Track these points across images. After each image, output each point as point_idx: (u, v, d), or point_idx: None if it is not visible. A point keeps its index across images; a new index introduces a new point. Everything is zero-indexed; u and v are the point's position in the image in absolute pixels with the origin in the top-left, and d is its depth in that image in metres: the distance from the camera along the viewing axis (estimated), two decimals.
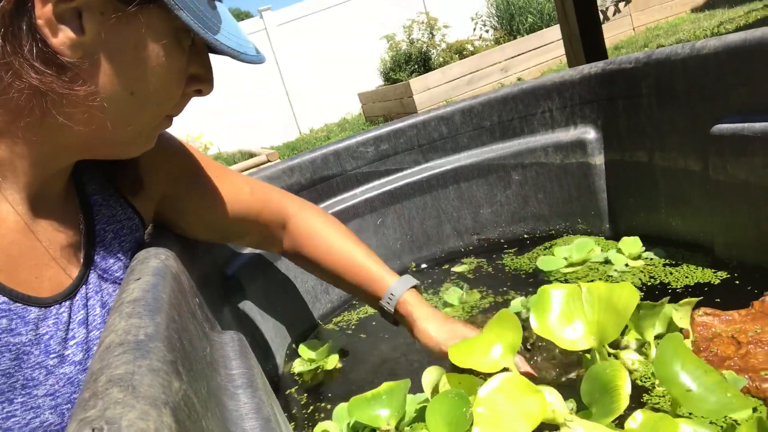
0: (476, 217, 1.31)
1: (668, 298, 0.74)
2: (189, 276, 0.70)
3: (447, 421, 0.61)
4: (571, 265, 1.08)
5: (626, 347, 0.76)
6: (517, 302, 1.00)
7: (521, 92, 1.23)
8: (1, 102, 0.56)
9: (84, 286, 0.66)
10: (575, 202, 1.21)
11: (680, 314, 0.73)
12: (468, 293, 1.09)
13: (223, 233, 0.91)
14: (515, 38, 6.71)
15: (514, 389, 0.59)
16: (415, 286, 0.90)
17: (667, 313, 0.73)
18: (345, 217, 1.24)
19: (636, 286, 0.95)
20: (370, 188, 1.28)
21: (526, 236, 1.29)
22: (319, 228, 0.96)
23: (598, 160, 1.15)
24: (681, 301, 0.74)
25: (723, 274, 0.91)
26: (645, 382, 0.71)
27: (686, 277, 0.94)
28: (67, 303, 0.64)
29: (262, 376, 0.65)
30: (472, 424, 0.57)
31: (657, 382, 0.70)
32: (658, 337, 0.75)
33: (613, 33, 6.35)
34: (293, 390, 0.98)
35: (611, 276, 1.02)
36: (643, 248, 1.05)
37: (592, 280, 0.93)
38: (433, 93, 5.87)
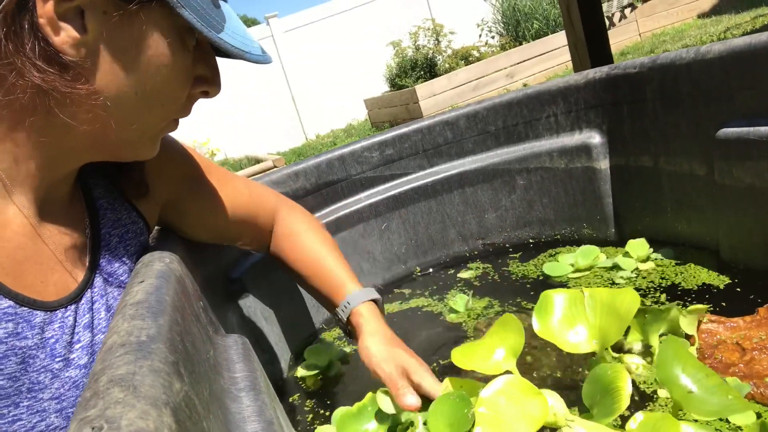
0: (481, 222, 1.31)
1: (676, 303, 0.74)
2: (193, 279, 0.70)
3: (449, 422, 0.61)
4: (578, 270, 1.08)
5: (630, 351, 0.76)
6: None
7: (526, 97, 1.23)
8: (6, 102, 0.56)
9: (89, 290, 0.66)
10: (580, 206, 1.21)
11: (688, 320, 0.72)
12: (474, 300, 1.09)
13: (222, 235, 0.91)
14: (521, 44, 6.72)
15: (516, 391, 0.59)
16: (375, 300, 0.88)
17: (674, 319, 0.72)
18: (350, 221, 1.24)
19: (647, 289, 0.95)
20: (375, 193, 1.28)
21: (531, 241, 1.28)
22: (298, 230, 0.96)
23: (603, 164, 1.15)
24: (689, 308, 0.74)
25: (728, 279, 0.90)
26: (648, 387, 0.71)
27: (693, 279, 0.93)
28: (73, 307, 0.64)
29: (266, 380, 0.65)
30: (473, 425, 0.57)
31: (660, 386, 0.69)
32: None
33: (619, 39, 6.34)
34: (296, 395, 0.98)
35: (619, 282, 1.01)
36: (651, 250, 1.04)
37: (600, 286, 0.93)
38: (438, 99, 5.88)
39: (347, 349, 1.07)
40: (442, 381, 0.73)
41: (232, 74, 7.62)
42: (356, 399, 0.77)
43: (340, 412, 0.80)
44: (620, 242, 1.13)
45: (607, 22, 6.44)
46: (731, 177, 0.87)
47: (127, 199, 0.74)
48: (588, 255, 1.07)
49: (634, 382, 0.70)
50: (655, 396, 0.69)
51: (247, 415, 0.52)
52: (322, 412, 0.91)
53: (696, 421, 0.59)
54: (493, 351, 0.71)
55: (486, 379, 0.65)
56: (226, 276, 1.02)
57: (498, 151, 1.28)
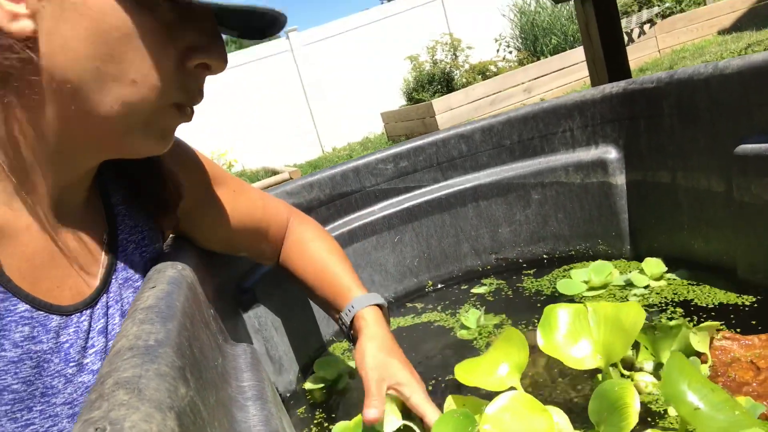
0: (495, 236, 1.30)
1: (686, 320, 0.73)
2: (205, 287, 0.71)
3: None
4: (592, 288, 1.06)
5: (641, 369, 0.75)
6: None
7: (542, 111, 1.22)
8: None
9: (105, 295, 0.67)
10: (596, 222, 1.20)
11: (699, 338, 0.71)
12: (486, 317, 1.08)
13: (233, 245, 0.91)
14: (539, 59, 6.72)
15: (521, 408, 0.58)
16: (380, 306, 0.86)
17: (684, 336, 0.71)
18: (363, 233, 1.24)
19: (658, 308, 0.94)
20: (388, 205, 1.28)
21: (545, 256, 1.27)
22: (307, 240, 0.95)
23: (620, 180, 1.14)
24: (701, 325, 0.73)
25: (746, 298, 0.88)
26: (659, 406, 0.69)
27: (708, 297, 0.92)
28: (88, 311, 0.64)
29: (273, 390, 0.65)
30: None
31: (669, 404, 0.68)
32: None
33: (638, 55, 6.32)
34: (303, 407, 0.97)
35: (632, 299, 1.00)
36: (666, 269, 1.03)
37: None
38: (455, 113, 5.89)
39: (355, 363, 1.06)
40: (446, 398, 0.72)
41: (249, 86, 7.73)
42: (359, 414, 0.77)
43: (339, 426, 0.80)
44: (635, 259, 1.12)
45: (626, 38, 6.42)
46: (750, 194, 0.86)
47: (144, 206, 0.75)
48: (601, 271, 1.06)
49: (644, 402, 0.68)
50: (665, 414, 0.68)
51: (253, 425, 0.52)
52: (326, 425, 0.90)
53: None
54: (496, 367, 0.71)
55: (490, 398, 0.64)
56: (237, 285, 1.02)
57: (513, 165, 1.28)
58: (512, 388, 0.68)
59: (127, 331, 0.44)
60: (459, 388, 0.84)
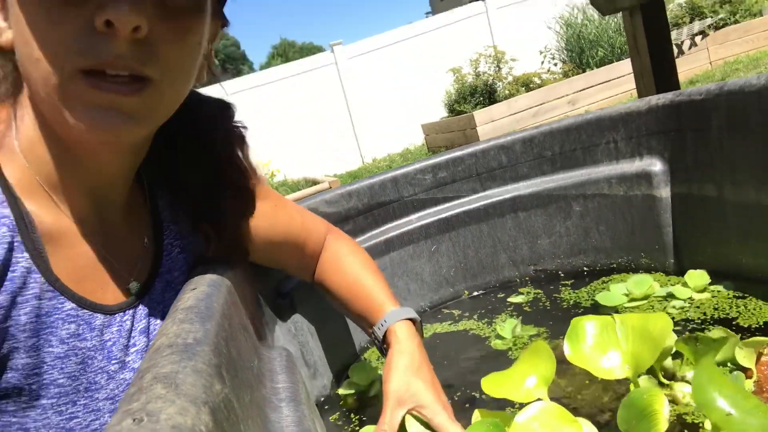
0: (533, 248, 1.29)
1: (731, 332, 0.71)
2: (244, 290, 0.72)
3: None
4: (633, 300, 1.04)
5: (682, 379, 0.73)
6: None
7: (585, 122, 1.21)
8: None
9: (148, 296, 0.69)
10: (639, 235, 1.17)
11: (745, 353, 0.69)
12: (523, 327, 1.06)
13: (271, 258, 0.91)
14: (584, 72, 6.62)
15: (551, 418, 0.58)
16: (413, 320, 0.86)
17: (729, 349, 0.69)
18: (400, 242, 1.25)
19: (700, 320, 0.91)
20: (426, 215, 1.28)
21: (585, 269, 1.25)
22: (342, 255, 0.95)
23: (664, 192, 1.11)
24: (748, 339, 0.70)
25: None
26: (695, 417, 0.68)
27: (754, 314, 0.88)
28: (131, 312, 0.67)
29: (307, 393, 0.66)
30: None
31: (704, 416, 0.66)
32: None
33: (688, 67, 6.15)
34: (336, 413, 0.98)
35: (671, 312, 0.97)
36: (710, 281, 1.00)
37: None
38: (497, 125, 5.85)
39: None
40: (473, 409, 0.71)
41: (293, 98, 7.87)
42: None
43: (366, 431, 0.80)
44: (679, 273, 1.09)
45: (676, 50, 6.26)
46: None
47: (190, 214, 0.76)
48: (642, 284, 1.03)
49: (680, 413, 0.67)
50: (701, 425, 0.66)
51: (286, 425, 0.52)
52: (357, 430, 0.91)
53: None
54: (524, 379, 0.70)
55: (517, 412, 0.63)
56: (276, 290, 1.04)
57: (554, 176, 1.26)
58: (539, 400, 0.68)
59: (167, 330, 0.46)
60: (487, 399, 0.83)
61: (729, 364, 0.72)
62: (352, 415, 0.95)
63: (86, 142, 0.57)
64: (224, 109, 0.75)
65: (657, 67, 1.95)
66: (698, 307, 0.95)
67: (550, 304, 1.15)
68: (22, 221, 0.57)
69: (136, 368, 0.64)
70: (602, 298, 1.07)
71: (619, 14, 2.20)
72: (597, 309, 1.06)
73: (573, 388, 0.80)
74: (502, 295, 1.24)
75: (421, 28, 8.51)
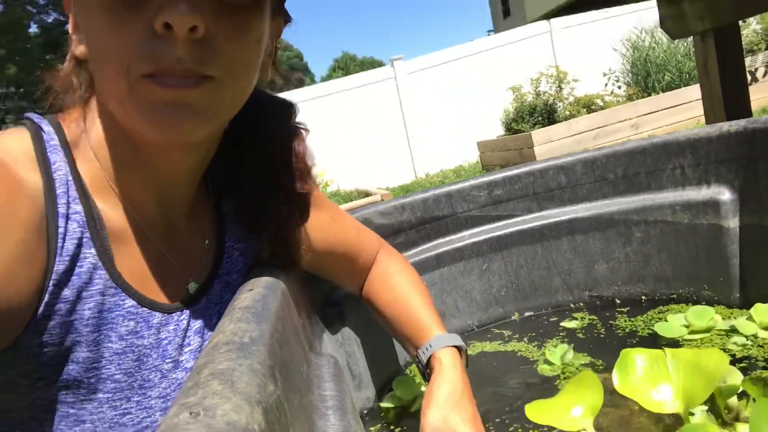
0: (590, 273, 1.25)
1: None
2: (296, 296, 0.73)
3: None
4: (694, 332, 0.99)
5: (746, 420, 0.69)
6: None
7: (651, 146, 1.17)
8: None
9: (205, 297, 0.70)
10: (702, 265, 1.12)
11: None
12: (574, 355, 1.03)
13: (323, 268, 0.92)
14: (649, 95, 6.42)
15: None
16: (458, 347, 0.84)
17: None
18: (450, 258, 1.24)
19: (764, 359, 0.86)
20: (479, 232, 1.26)
21: (643, 297, 1.20)
22: (391, 273, 0.95)
23: (732, 223, 1.06)
24: None
25: None
26: None
27: None
28: (188, 311, 0.68)
29: (353, 403, 0.66)
30: None
31: None
32: None
33: (761, 95, 5.87)
34: (378, 425, 0.97)
35: (731, 348, 0.92)
36: None
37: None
38: (555, 146, 5.73)
39: None
40: None
41: (351, 110, 7.98)
42: None
43: None
44: (744, 307, 1.03)
45: (749, 77, 5.99)
46: None
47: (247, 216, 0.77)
48: (703, 316, 0.99)
49: None
50: None
51: None
52: None
53: None
54: (570, 408, 0.69)
55: None
56: (326, 298, 1.05)
57: (615, 200, 1.22)
58: (584, 431, 0.65)
59: (224, 328, 0.47)
60: (529, 426, 0.81)
61: None
62: (393, 427, 0.95)
63: (154, 142, 0.59)
64: (286, 107, 0.74)
65: (728, 93, 1.87)
66: (761, 346, 0.90)
67: (605, 331, 1.11)
68: (92, 218, 0.59)
69: (189, 368, 0.66)
70: (660, 328, 1.03)
71: (690, 38, 2.13)
72: (655, 339, 1.02)
73: (620, 419, 0.77)
74: (555, 319, 1.21)
75: (482, 45, 8.50)
